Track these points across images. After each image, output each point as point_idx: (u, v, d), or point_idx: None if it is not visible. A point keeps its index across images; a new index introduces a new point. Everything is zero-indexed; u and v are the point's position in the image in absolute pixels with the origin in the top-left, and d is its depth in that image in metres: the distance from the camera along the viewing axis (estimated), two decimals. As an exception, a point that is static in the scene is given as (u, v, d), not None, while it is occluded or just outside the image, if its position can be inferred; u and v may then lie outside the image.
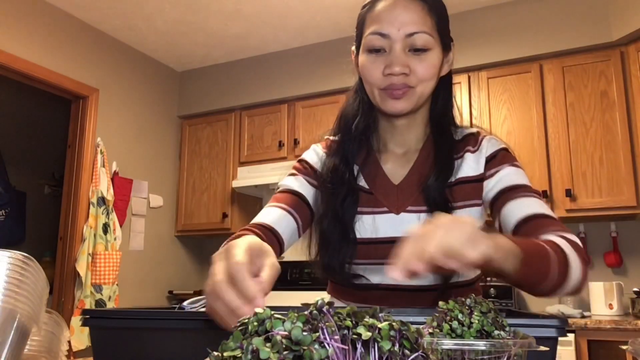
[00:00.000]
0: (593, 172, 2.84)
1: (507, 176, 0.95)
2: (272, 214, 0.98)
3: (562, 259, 0.79)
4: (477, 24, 3.24)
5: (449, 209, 0.93)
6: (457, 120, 1.06)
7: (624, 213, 2.78)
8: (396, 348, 0.36)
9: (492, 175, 0.97)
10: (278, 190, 1.05)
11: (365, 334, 0.36)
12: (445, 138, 1.00)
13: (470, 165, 0.98)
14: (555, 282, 0.78)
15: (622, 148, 2.80)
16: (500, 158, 0.98)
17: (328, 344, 0.35)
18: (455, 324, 0.49)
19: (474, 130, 1.04)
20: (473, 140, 1.01)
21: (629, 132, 2.80)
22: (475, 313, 0.50)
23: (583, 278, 0.83)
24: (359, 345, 0.36)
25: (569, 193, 2.84)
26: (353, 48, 1.03)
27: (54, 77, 3.19)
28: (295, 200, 1.01)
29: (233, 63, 4.01)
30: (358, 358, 0.36)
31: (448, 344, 0.45)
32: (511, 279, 0.74)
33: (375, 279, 0.97)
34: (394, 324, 0.37)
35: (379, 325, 0.37)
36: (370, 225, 0.97)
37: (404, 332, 0.37)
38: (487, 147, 0.99)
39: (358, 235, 0.97)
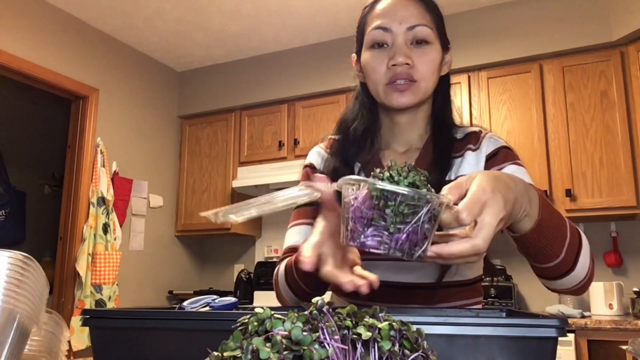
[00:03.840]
0: (593, 172, 2.84)
1: (512, 173, 0.93)
2: (296, 234, 1.02)
3: (574, 230, 0.79)
4: (477, 24, 3.24)
5: None
6: (457, 122, 1.06)
7: (624, 213, 2.78)
8: (396, 348, 0.36)
9: None
10: (297, 206, 1.05)
11: (365, 334, 0.36)
12: (443, 135, 1.01)
13: (470, 163, 0.98)
14: (564, 257, 0.77)
15: (622, 148, 2.80)
16: (503, 156, 0.97)
17: (328, 344, 0.35)
18: (394, 172, 0.60)
19: (476, 129, 1.04)
20: (474, 138, 1.01)
21: (629, 132, 2.80)
22: (412, 172, 0.60)
23: (590, 272, 0.83)
24: (359, 345, 0.36)
25: (569, 193, 2.84)
26: (353, 55, 1.04)
27: (54, 77, 3.19)
28: (313, 211, 1.01)
29: (233, 63, 4.01)
30: (358, 358, 0.36)
31: (382, 184, 0.57)
32: (522, 238, 0.73)
33: (379, 275, 0.97)
34: (394, 324, 0.37)
35: (379, 325, 0.37)
36: None
37: (404, 332, 0.37)
38: (487, 145, 0.99)
39: None
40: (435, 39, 0.96)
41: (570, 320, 2.49)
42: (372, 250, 0.60)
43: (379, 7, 0.97)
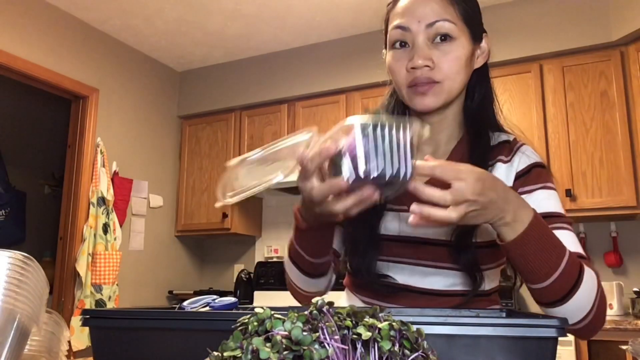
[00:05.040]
0: (593, 172, 2.84)
1: (541, 201, 0.90)
2: None
3: (575, 266, 0.77)
4: (477, 24, 3.24)
5: None
6: (499, 118, 1.02)
7: (624, 213, 2.78)
8: (396, 348, 0.36)
9: (523, 193, 0.91)
10: None
11: (365, 334, 0.36)
12: (482, 141, 0.97)
13: (500, 175, 0.94)
14: (558, 283, 0.76)
15: (622, 148, 2.80)
16: (535, 177, 0.93)
17: (328, 344, 0.35)
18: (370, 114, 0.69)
19: (510, 137, 0.99)
20: (507, 149, 0.97)
21: (629, 132, 2.80)
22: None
23: (592, 317, 0.79)
24: (359, 345, 0.36)
25: (569, 193, 2.84)
26: (384, 50, 1.01)
27: (54, 77, 3.19)
28: None
29: (233, 63, 4.01)
30: (358, 358, 0.36)
31: (364, 120, 0.67)
32: (510, 252, 0.76)
33: (400, 278, 0.96)
34: (394, 324, 0.37)
35: (379, 325, 0.37)
36: (395, 222, 0.96)
37: (404, 332, 0.37)
38: (520, 161, 0.95)
39: (384, 232, 0.96)
40: (460, 33, 0.91)
41: (570, 320, 2.49)
42: (372, 177, 0.67)
43: (400, 4, 0.94)
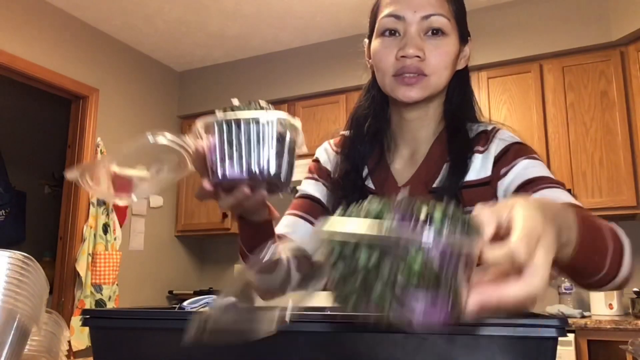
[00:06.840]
0: (593, 172, 2.84)
1: (524, 170, 0.86)
2: (284, 222, 0.99)
3: (618, 241, 0.70)
4: (477, 24, 3.22)
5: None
6: (480, 118, 0.99)
7: (624, 213, 2.78)
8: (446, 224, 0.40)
9: (505, 174, 0.88)
10: (296, 196, 1.04)
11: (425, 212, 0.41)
12: (459, 135, 0.93)
13: (475, 167, 0.90)
14: (608, 270, 0.68)
15: (622, 148, 2.80)
16: (513, 153, 0.89)
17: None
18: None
19: (489, 126, 0.95)
20: (484, 139, 0.93)
21: (629, 132, 2.80)
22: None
23: (632, 268, 0.73)
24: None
25: (569, 193, 2.83)
26: (365, 40, 0.99)
27: (54, 77, 3.19)
28: (309, 204, 1.00)
29: (233, 63, 4.01)
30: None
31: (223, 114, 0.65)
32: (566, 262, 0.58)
33: None
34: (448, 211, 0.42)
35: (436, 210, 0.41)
36: None
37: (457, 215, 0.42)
38: (497, 146, 0.91)
39: None
40: (452, 30, 0.90)
41: (570, 320, 2.49)
42: (233, 177, 0.63)
43: None
